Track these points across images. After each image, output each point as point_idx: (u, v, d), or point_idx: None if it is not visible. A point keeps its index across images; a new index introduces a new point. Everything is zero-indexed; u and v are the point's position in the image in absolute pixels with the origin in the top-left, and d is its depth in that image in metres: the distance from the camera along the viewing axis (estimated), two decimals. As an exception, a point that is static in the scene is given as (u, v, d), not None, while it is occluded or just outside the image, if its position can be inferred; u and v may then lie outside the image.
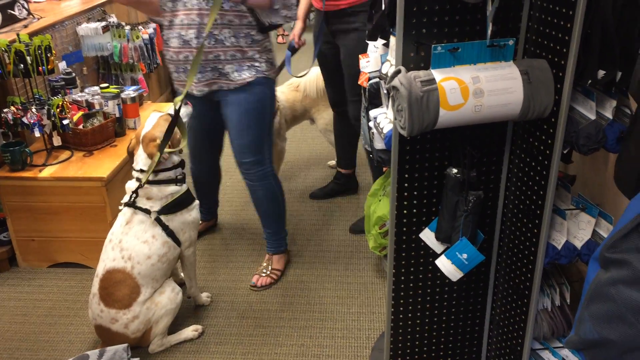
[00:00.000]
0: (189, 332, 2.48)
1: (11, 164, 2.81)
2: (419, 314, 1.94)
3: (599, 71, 1.45)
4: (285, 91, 3.47)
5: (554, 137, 1.53)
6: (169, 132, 2.26)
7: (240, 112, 2.53)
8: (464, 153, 1.64)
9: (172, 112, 2.31)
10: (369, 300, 2.70)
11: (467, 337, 2.04)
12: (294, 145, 4.18)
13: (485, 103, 1.44)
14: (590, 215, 1.67)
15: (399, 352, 2.00)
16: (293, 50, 2.97)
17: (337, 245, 3.11)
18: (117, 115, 3.16)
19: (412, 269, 1.86)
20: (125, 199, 2.34)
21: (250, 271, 2.90)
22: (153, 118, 2.37)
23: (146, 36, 4.06)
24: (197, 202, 2.47)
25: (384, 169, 2.69)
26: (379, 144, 1.87)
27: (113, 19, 3.85)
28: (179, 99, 2.28)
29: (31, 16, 3.33)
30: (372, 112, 1.91)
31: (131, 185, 2.33)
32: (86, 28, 3.60)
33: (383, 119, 1.84)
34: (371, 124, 1.92)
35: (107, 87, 3.24)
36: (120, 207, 2.36)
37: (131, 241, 2.28)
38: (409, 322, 1.95)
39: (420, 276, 1.88)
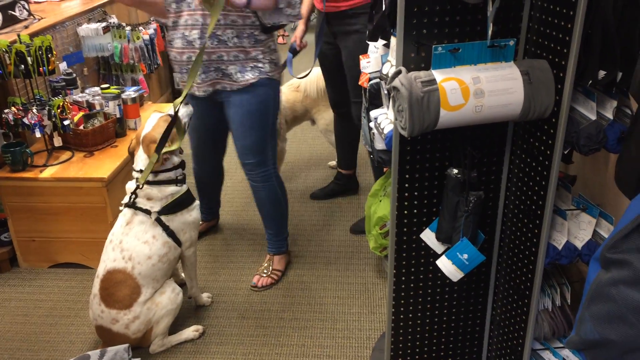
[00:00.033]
0: (190, 332, 2.48)
1: (12, 165, 2.81)
2: (419, 314, 1.94)
3: (599, 71, 1.45)
4: (286, 92, 3.48)
5: (554, 137, 1.53)
6: (166, 134, 2.25)
7: (243, 113, 2.53)
8: (465, 153, 1.64)
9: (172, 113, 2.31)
10: (369, 300, 2.70)
11: (467, 338, 2.04)
12: (294, 146, 4.18)
13: (485, 103, 1.44)
14: (590, 216, 1.67)
15: (400, 352, 2.00)
16: (294, 52, 2.98)
17: (337, 246, 3.11)
18: (118, 115, 3.16)
19: (412, 270, 1.86)
20: (125, 199, 2.34)
21: (251, 271, 2.90)
22: (153, 119, 2.38)
23: (147, 37, 4.06)
24: (197, 202, 2.47)
25: (385, 169, 2.69)
26: (380, 145, 1.87)
27: (114, 19, 3.85)
28: (178, 100, 2.28)
29: (32, 17, 3.33)
30: (373, 113, 1.91)
31: (131, 186, 2.33)
32: (87, 29, 3.60)
33: (383, 119, 1.84)
34: (372, 124, 1.92)
35: (108, 88, 3.24)
36: (120, 208, 2.36)
37: (131, 242, 2.28)
38: (410, 323, 1.95)
39: (421, 276, 1.88)
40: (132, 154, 2.41)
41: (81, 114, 3.03)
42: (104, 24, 3.67)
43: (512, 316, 1.87)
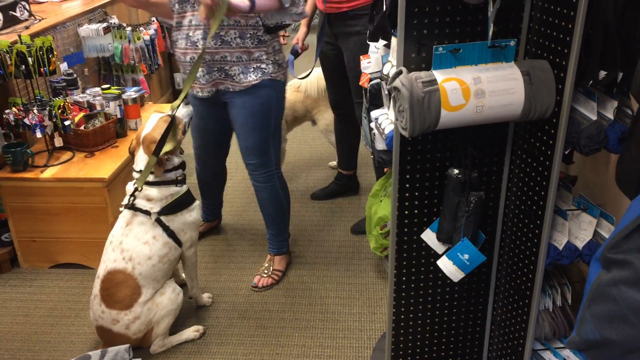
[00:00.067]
0: (190, 332, 2.49)
1: (13, 165, 2.82)
2: (420, 314, 1.94)
3: (600, 72, 1.45)
4: (287, 92, 3.47)
5: (555, 137, 1.53)
6: (164, 138, 2.25)
7: (245, 115, 2.53)
8: (465, 154, 1.64)
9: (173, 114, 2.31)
10: (370, 300, 2.70)
11: (468, 338, 2.04)
12: (295, 146, 4.19)
13: (486, 104, 1.44)
14: (591, 216, 1.67)
15: (400, 352, 2.00)
16: (296, 54, 2.99)
17: (338, 246, 3.11)
18: (119, 116, 3.16)
19: (413, 270, 1.86)
20: (125, 201, 2.34)
21: (252, 272, 2.90)
22: (153, 119, 2.38)
23: (147, 37, 4.07)
24: (197, 202, 2.47)
25: (385, 169, 2.70)
26: (380, 145, 1.88)
27: (114, 20, 3.85)
28: (176, 103, 2.28)
29: (32, 17, 3.34)
30: (373, 113, 1.91)
31: (131, 187, 2.33)
32: (87, 29, 3.61)
33: (384, 119, 1.84)
34: (372, 124, 1.93)
35: (109, 88, 3.25)
36: (120, 209, 2.36)
37: (132, 242, 2.28)
38: (410, 323, 1.95)
39: (422, 277, 1.88)
40: (132, 154, 2.41)
41: (82, 114, 3.03)
42: (104, 25, 3.67)
43: (513, 316, 1.87)
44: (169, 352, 2.42)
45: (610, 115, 1.54)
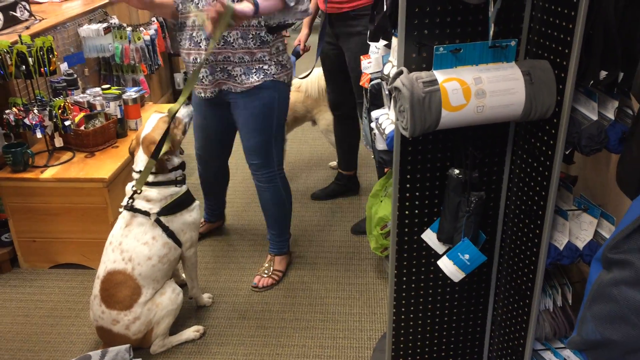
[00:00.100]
0: (191, 332, 2.48)
1: (13, 165, 2.81)
2: (420, 314, 1.94)
3: (601, 72, 1.45)
4: (288, 92, 3.48)
5: (556, 137, 1.53)
6: (162, 141, 2.25)
7: (247, 116, 2.53)
8: (466, 154, 1.64)
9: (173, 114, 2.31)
10: (370, 301, 2.70)
11: (468, 338, 2.03)
12: (295, 146, 4.19)
13: (487, 104, 1.44)
14: (592, 216, 1.67)
15: (401, 352, 2.00)
16: (297, 55, 2.99)
17: (338, 246, 3.11)
18: (119, 116, 3.16)
19: (413, 270, 1.86)
20: (124, 202, 2.34)
21: (252, 272, 2.90)
22: (153, 119, 2.38)
23: (147, 37, 4.07)
24: (197, 202, 2.47)
25: (386, 169, 2.70)
26: (381, 145, 1.88)
27: (114, 20, 3.85)
28: (174, 107, 2.28)
29: (33, 17, 3.34)
30: (374, 113, 1.91)
31: (131, 187, 2.33)
32: (88, 29, 3.60)
33: (385, 119, 1.84)
34: (373, 124, 1.93)
35: (109, 88, 3.25)
36: (120, 210, 2.36)
37: (131, 243, 2.28)
38: (411, 323, 1.95)
39: (422, 277, 1.88)
40: (132, 155, 2.41)
41: (82, 114, 3.03)
42: (104, 25, 3.67)
43: (514, 316, 1.87)
44: (169, 352, 2.42)
45: (611, 115, 1.54)
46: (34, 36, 2.88)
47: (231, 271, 2.93)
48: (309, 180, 3.79)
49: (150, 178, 2.30)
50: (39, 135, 2.80)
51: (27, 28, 3.17)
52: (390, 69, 1.74)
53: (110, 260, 2.29)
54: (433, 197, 1.76)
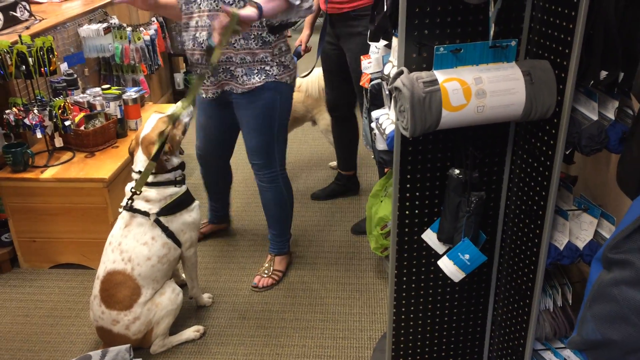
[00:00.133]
0: (191, 332, 2.48)
1: (13, 165, 2.81)
2: (420, 314, 1.94)
3: (601, 72, 1.45)
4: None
5: (556, 137, 1.53)
6: (162, 143, 2.25)
7: (249, 116, 2.53)
8: (466, 154, 1.64)
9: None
10: (370, 301, 2.70)
11: (469, 338, 2.03)
12: (295, 147, 4.19)
13: (487, 104, 1.44)
14: (592, 216, 1.67)
15: (401, 352, 2.00)
16: (298, 55, 2.99)
17: (338, 246, 3.11)
18: (119, 116, 3.16)
19: (414, 270, 1.86)
20: (124, 202, 2.34)
21: (252, 272, 2.90)
22: (153, 120, 2.38)
23: (147, 37, 4.07)
24: (197, 202, 2.47)
25: (386, 169, 2.70)
26: (381, 145, 1.88)
27: (114, 20, 3.85)
28: (176, 113, 2.28)
29: (33, 18, 3.34)
30: (374, 113, 1.92)
31: (130, 188, 2.33)
32: (88, 29, 3.60)
33: (385, 119, 1.84)
34: (373, 124, 1.93)
35: (109, 88, 3.25)
36: (119, 210, 2.36)
37: (131, 243, 2.28)
38: (411, 323, 1.95)
39: (422, 277, 1.88)
40: (132, 155, 2.41)
41: (82, 114, 3.03)
42: (104, 25, 3.67)
43: (514, 316, 1.87)
44: (169, 352, 2.42)
45: (611, 115, 1.54)
46: (34, 36, 2.88)
47: (231, 271, 2.93)
48: (309, 180, 3.79)
49: (150, 178, 2.30)
50: (39, 135, 2.81)
51: (27, 28, 3.17)
52: (390, 69, 1.74)
53: (109, 260, 2.29)
54: (433, 197, 1.76)
